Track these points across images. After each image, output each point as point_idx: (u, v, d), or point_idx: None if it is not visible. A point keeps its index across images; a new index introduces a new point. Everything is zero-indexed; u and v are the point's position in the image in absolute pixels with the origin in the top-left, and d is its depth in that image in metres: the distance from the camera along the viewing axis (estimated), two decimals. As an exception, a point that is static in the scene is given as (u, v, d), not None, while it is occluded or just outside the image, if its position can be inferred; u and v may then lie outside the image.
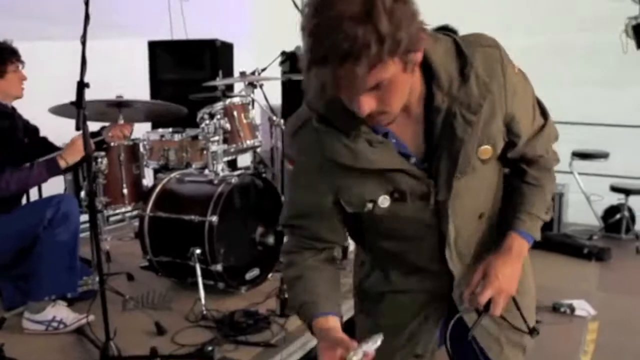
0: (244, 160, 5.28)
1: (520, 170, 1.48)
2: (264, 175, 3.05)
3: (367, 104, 1.12)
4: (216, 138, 2.97)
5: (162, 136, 3.41)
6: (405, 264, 1.48)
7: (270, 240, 3.10)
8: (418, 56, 1.13)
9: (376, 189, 1.30)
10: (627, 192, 5.55)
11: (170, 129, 3.49)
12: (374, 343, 1.19)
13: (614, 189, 5.61)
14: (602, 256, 5.07)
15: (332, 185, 1.32)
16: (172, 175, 3.09)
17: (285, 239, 1.47)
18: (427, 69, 1.23)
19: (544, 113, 1.44)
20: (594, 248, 5.08)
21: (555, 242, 5.03)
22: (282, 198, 3.21)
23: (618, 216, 5.61)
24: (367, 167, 1.26)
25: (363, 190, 1.31)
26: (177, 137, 3.39)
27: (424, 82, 1.24)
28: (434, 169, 1.30)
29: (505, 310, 1.40)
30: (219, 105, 3.20)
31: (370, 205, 1.31)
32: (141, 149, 3.28)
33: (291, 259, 1.43)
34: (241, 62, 4.94)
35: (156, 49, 4.77)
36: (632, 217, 5.67)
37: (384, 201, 1.31)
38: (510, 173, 1.49)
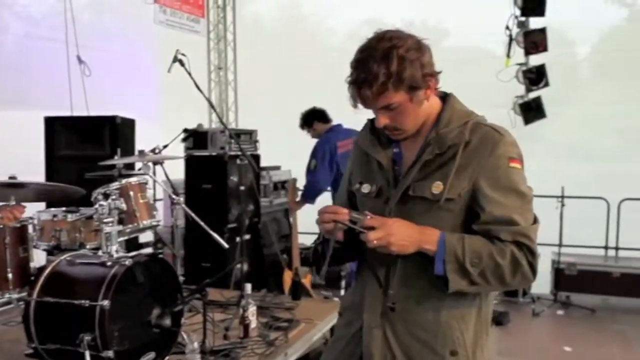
0: (148, 236, 5.16)
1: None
2: (160, 255, 2.99)
3: (382, 119, 1.63)
4: (110, 219, 2.90)
5: (54, 216, 3.29)
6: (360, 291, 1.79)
7: (167, 322, 3.00)
8: (424, 94, 1.60)
9: (367, 177, 1.77)
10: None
11: (63, 209, 3.38)
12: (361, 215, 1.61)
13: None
14: (501, 320, 5.27)
15: (350, 169, 1.88)
16: (63, 257, 2.97)
17: None
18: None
19: (526, 220, 1.60)
20: (494, 312, 5.25)
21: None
22: (180, 278, 3.15)
23: (514, 281, 5.88)
24: (368, 152, 1.77)
25: (360, 174, 1.81)
26: (70, 217, 3.28)
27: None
28: (400, 182, 1.68)
29: None
30: (114, 185, 3.14)
31: (357, 186, 1.80)
32: (30, 229, 3.15)
33: None
34: (144, 138, 4.89)
35: (54, 124, 4.65)
36: (528, 282, 5.97)
37: (366, 188, 1.76)
38: None
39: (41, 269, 2.92)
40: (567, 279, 5.85)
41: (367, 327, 1.71)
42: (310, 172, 5.18)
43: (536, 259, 1.61)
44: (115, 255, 2.93)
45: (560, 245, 5.88)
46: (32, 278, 2.95)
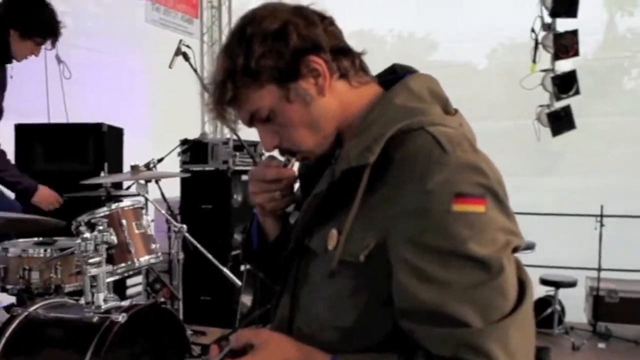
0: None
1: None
2: (162, 303, 2.30)
3: (266, 140, 1.08)
4: (97, 259, 2.18)
5: (22, 250, 2.57)
6: None
7: (172, 391, 2.31)
8: (311, 85, 1.02)
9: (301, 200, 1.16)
10: (557, 285, 5.23)
11: (35, 240, 2.67)
12: None
13: (544, 282, 5.28)
14: (543, 357, 4.62)
15: None
16: (32, 308, 2.24)
17: None
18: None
19: (485, 314, 0.91)
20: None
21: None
22: (188, 331, 2.46)
23: (549, 310, 5.26)
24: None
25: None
26: (43, 251, 2.56)
27: None
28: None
29: None
30: (101, 212, 2.42)
31: (290, 209, 1.21)
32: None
33: None
34: (133, 151, 4.26)
35: (26, 134, 3.93)
36: (562, 310, 5.36)
37: (294, 216, 1.19)
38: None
39: (3, 327, 2.20)
40: (607, 307, 5.24)
41: None
42: None
43: None
44: (103, 306, 2.21)
45: (599, 269, 5.27)
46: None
